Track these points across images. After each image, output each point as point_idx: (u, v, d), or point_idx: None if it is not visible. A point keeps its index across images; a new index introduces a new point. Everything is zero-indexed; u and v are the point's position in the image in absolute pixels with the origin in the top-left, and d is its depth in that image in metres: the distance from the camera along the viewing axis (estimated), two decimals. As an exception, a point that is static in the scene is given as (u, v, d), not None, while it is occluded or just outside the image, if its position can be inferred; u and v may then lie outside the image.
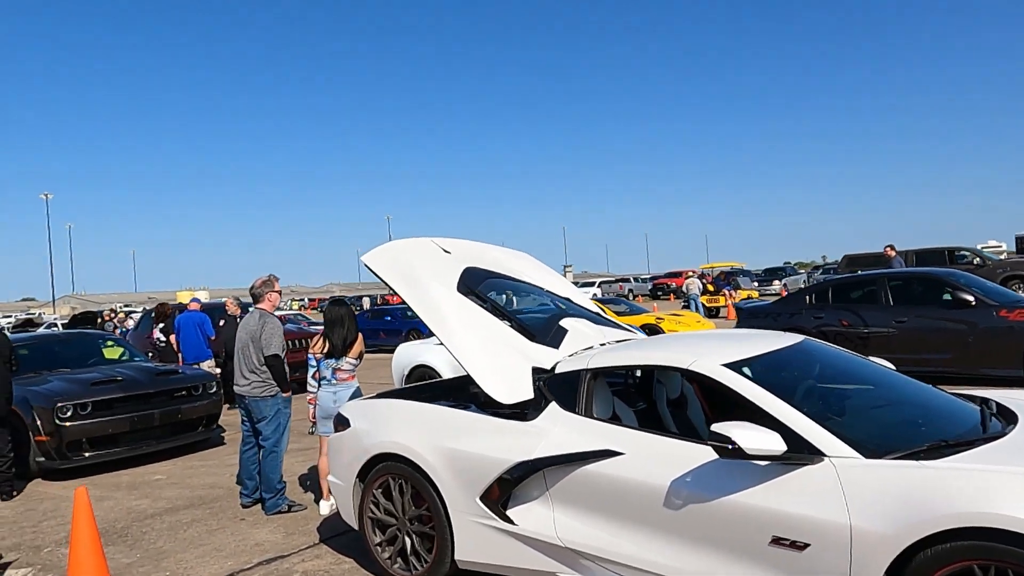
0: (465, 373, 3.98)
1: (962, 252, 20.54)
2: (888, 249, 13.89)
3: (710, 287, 25.47)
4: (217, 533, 5.31)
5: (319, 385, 5.58)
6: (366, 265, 4.37)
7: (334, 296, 34.72)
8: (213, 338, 10.91)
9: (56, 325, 32.01)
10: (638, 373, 4.86)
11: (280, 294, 5.94)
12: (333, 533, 5.09)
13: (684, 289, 24.61)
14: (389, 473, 4.12)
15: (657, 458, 3.22)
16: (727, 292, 24.54)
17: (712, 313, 23.18)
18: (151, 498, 6.43)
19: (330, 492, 5.59)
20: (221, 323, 11.07)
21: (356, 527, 4.37)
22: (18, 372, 7.53)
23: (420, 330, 19.85)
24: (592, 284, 46.79)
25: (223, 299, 13.36)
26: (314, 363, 5.59)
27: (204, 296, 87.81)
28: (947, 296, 8.94)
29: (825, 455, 2.82)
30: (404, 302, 4.22)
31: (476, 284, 4.56)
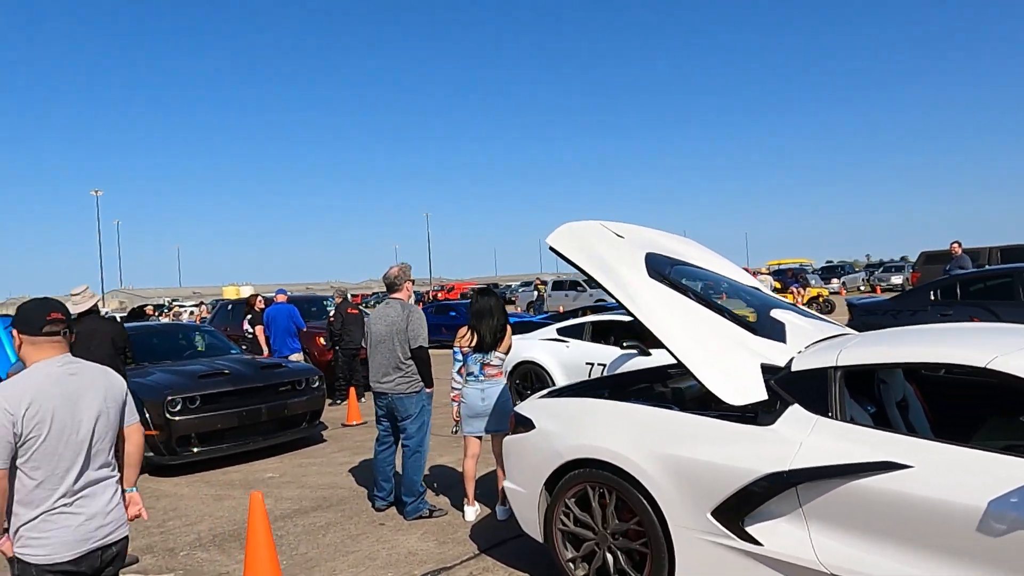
0: (642, 367, 3.52)
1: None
2: (955, 246, 13.25)
3: (777, 284, 24.66)
4: (360, 539, 4.94)
5: (464, 381, 5.18)
6: (551, 248, 3.94)
7: (480, 284, 33.19)
8: (303, 330, 10.66)
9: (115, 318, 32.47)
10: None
11: (413, 283, 5.54)
12: (493, 543, 4.68)
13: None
14: (588, 481, 3.68)
15: (962, 473, 2.71)
16: (795, 290, 23.67)
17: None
18: (272, 498, 6.09)
19: (475, 497, 5.21)
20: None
21: (539, 539, 3.95)
22: (130, 364, 7.28)
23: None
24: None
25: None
26: (460, 357, 5.18)
27: (248, 291, 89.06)
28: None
29: None
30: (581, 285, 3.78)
31: (665, 271, 4.10)
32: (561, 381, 8.40)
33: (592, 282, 3.89)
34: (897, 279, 37.65)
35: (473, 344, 5.09)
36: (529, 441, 3.96)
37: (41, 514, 2.52)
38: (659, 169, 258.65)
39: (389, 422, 5.39)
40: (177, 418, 6.98)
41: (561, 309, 27.78)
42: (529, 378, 8.82)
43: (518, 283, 62.07)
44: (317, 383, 8.19)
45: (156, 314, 32.26)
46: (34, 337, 2.66)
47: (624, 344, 7.80)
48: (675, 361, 6.51)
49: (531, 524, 3.97)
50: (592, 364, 8.12)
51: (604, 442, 3.60)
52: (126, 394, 2.83)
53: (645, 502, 3.45)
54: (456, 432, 5.34)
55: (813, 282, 29.31)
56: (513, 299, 41.97)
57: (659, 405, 3.75)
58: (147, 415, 6.98)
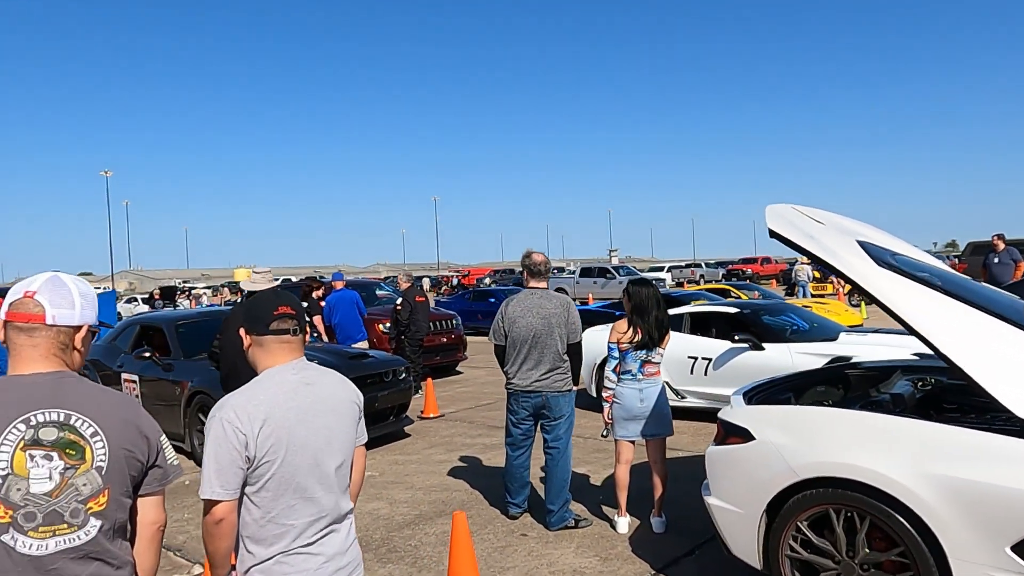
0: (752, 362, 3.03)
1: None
2: (996, 239, 12.78)
3: (816, 273, 24.15)
4: (509, 553, 4.49)
5: (618, 380, 4.71)
6: (774, 232, 3.48)
7: (636, 275, 32.07)
8: (366, 316, 10.19)
9: (136, 300, 32.05)
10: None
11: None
12: (665, 561, 4.23)
13: (793, 276, 23.34)
14: (831, 503, 3.21)
15: None
16: (835, 279, 23.16)
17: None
18: (384, 500, 5.65)
19: (626, 508, 4.76)
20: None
21: (756, 565, 3.48)
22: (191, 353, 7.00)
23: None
24: (661, 269, 45.54)
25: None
26: (616, 354, 4.70)
27: (263, 273, 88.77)
28: None
29: None
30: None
31: (890, 261, 3.62)
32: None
33: (827, 267, 3.42)
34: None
35: (636, 340, 4.61)
36: (747, 454, 3.49)
37: (276, 555, 2.06)
38: (666, 154, 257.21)
39: (530, 423, 4.92)
40: (269, 411, 6.53)
41: (591, 297, 27.28)
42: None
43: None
44: (404, 375, 7.74)
45: (163, 301, 31.64)
46: (262, 336, 2.19)
47: (736, 337, 7.32)
48: (839, 356, 5.95)
49: (745, 548, 3.52)
50: (696, 358, 7.65)
51: (857, 459, 3.13)
52: (361, 406, 2.36)
53: (914, 530, 2.98)
54: (606, 436, 4.88)
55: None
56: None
57: (881, 412, 3.32)
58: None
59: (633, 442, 4.74)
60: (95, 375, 8.09)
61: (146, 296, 35.54)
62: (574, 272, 39.11)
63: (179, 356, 7.41)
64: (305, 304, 10.84)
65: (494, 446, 7.23)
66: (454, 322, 12.64)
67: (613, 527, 4.77)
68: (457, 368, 13.04)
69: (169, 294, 33.81)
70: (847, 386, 4.55)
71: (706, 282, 43.70)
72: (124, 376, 7.94)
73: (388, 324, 11.26)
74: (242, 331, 2.25)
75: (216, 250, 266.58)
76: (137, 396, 7.73)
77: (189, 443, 7.03)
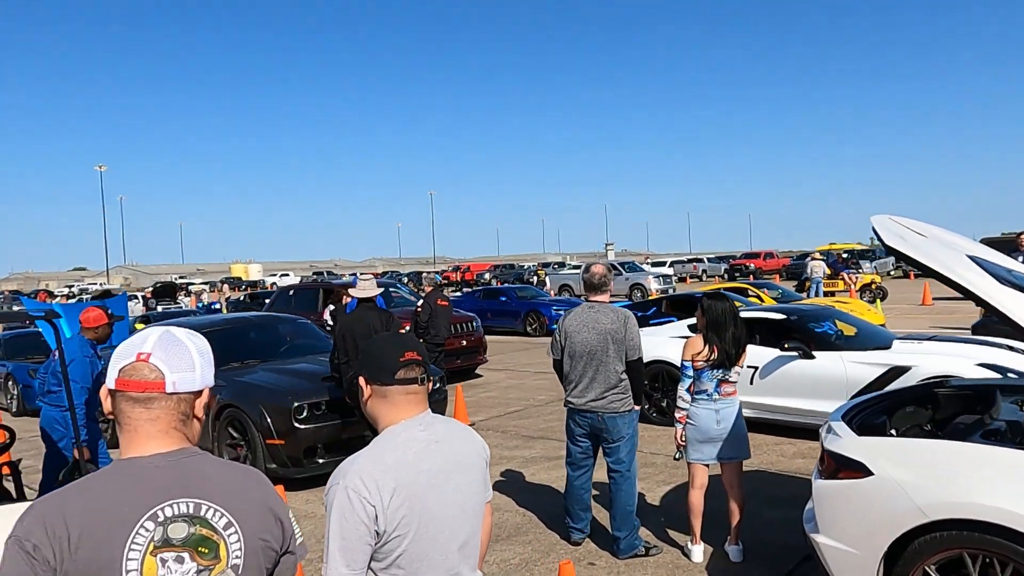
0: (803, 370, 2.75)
1: None
2: (1022, 237, 12.55)
3: (828, 271, 23.88)
4: (581, 585, 4.21)
5: (692, 400, 4.43)
6: (887, 247, 3.23)
7: (640, 271, 31.23)
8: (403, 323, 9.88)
9: (136, 297, 31.56)
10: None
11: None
12: (755, 596, 3.96)
13: (808, 272, 23.14)
14: (965, 546, 2.95)
15: None
16: (846, 276, 22.85)
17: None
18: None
19: (700, 536, 4.48)
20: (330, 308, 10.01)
21: (872, 610, 3.21)
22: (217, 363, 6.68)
23: (541, 312, 18.67)
24: (663, 264, 45.27)
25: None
26: (691, 373, 4.41)
27: (257, 269, 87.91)
28: None
29: None
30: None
31: (1007, 277, 3.35)
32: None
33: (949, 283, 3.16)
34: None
35: (712, 359, 4.33)
36: (865, 491, 3.22)
37: None
38: (661, 149, 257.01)
39: (589, 442, 4.65)
40: (303, 426, 6.24)
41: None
42: (661, 380, 8.06)
43: (531, 264, 60.87)
44: (438, 384, 7.44)
45: (157, 300, 30.88)
46: (386, 387, 1.90)
47: (786, 345, 7.05)
48: (897, 366, 5.67)
49: (861, 591, 3.24)
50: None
51: (997, 500, 2.85)
52: (488, 460, 2.07)
53: (1067, 580, 2.71)
54: (678, 459, 4.60)
55: (865, 267, 28.49)
56: (531, 281, 41.16)
57: (1002, 442, 3.06)
58: (268, 421, 6.25)
59: (707, 465, 4.47)
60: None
61: (149, 292, 35.06)
62: (578, 267, 38.81)
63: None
64: (332, 308, 10.56)
65: (534, 459, 6.95)
66: (473, 324, 12.36)
67: (686, 555, 4.50)
68: (476, 371, 12.76)
69: (169, 291, 33.31)
70: (936, 406, 4.29)
71: (708, 277, 43.47)
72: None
73: (408, 327, 10.96)
74: (361, 380, 1.96)
75: (211, 245, 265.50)
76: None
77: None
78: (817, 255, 23.26)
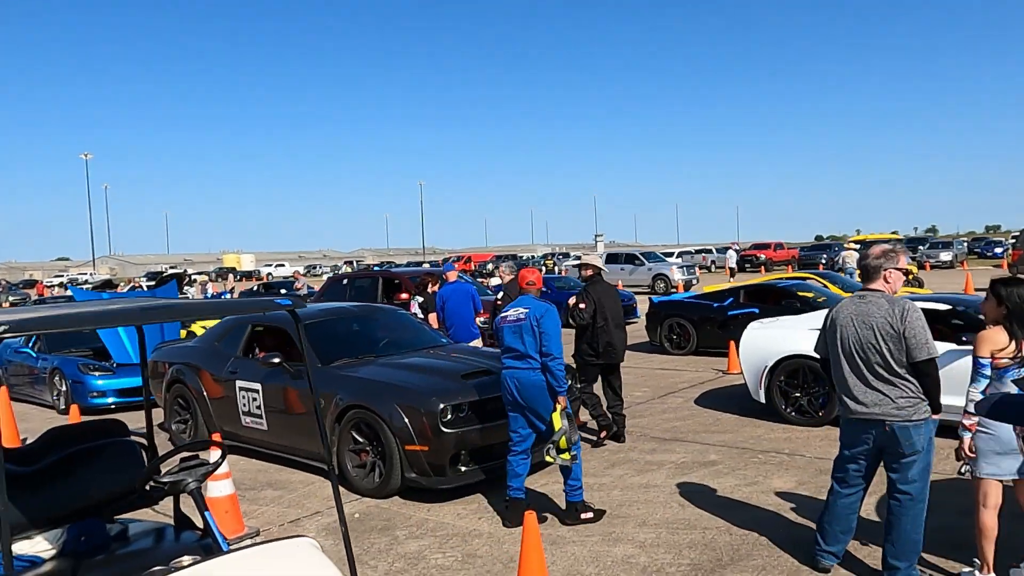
0: None
1: None
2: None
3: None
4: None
5: (985, 404, 3.75)
6: None
7: (662, 261, 30.31)
8: (482, 312, 9.15)
9: (141, 287, 30.42)
10: None
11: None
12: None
13: (839, 263, 22.63)
14: None
15: None
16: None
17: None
18: (629, 542, 4.67)
19: (993, 564, 3.82)
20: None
21: None
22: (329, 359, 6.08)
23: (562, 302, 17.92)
24: (671, 254, 44.69)
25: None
26: (988, 372, 3.74)
27: (250, 260, 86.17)
28: None
29: None
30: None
31: None
32: None
33: None
34: (946, 255, 36.73)
35: (1020, 356, 3.66)
36: None
37: None
38: (649, 141, 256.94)
39: (867, 459, 3.96)
40: (449, 430, 5.51)
41: (620, 284, 26.36)
42: (801, 376, 7.40)
43: (540, 254, 59.82)
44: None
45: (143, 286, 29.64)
46: None
47: (964, 338, 6.41)
48: None
49: None
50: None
51: None
52: None
53: None
54: (965, 473, 3.93)
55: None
56: (545, 270, 40.44)
57: None
58: (408, 424, 5.51)
59: (1002, 482, 3.81)
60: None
61: (139, 280, 33.84)
62: (579, 258, 37.87)
63: (315, 363, 6.32)
64: (421, 299, 9.83)
65: (686, 465, 6.29)
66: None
67: (972, 585, 3.85)
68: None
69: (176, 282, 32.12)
70: None
71: (718, 268, 42.91)
72: (239, 384, 6.85)
73: (486, 318, 10.21)
74: None
75: (197, 235, 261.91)
76: (259, 407, 6.65)
77: (336, 464, 5.96)
78: (850, 244, 22.80)
